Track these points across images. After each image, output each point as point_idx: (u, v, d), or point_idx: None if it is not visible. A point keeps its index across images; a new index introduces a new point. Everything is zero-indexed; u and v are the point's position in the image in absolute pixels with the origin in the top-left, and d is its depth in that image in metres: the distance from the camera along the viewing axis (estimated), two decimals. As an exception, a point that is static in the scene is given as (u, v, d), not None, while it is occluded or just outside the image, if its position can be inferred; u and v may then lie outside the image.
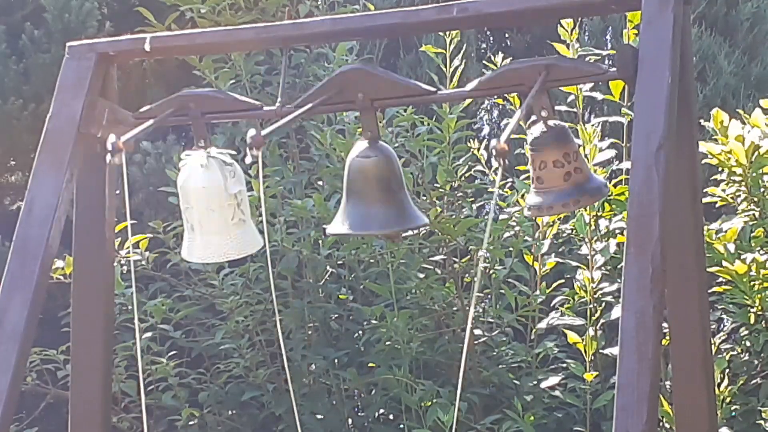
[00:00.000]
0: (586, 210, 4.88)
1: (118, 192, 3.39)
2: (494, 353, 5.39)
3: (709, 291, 4.01)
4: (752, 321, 4.72)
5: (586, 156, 4.84)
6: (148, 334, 5.42)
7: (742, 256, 4.59)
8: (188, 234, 3.31)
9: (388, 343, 5.28)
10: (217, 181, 3.20)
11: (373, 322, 5.33)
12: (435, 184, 5.31)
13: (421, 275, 5.33)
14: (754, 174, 4.68)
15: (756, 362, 4.83)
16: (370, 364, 5.44)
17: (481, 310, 5.44)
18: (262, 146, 2.75)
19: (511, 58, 5.24)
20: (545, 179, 3.11)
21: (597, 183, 3.18)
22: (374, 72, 3.14)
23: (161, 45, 3.32)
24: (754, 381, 4.82)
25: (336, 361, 5.50)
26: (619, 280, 4.73)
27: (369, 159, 3.16)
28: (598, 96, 5.13)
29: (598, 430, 5.15)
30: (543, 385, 5.13)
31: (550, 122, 3.11)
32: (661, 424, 4.60)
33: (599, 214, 4.89)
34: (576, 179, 3.10)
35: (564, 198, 3.11)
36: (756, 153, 4.64)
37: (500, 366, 5.34)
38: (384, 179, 3.15)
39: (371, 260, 5.40)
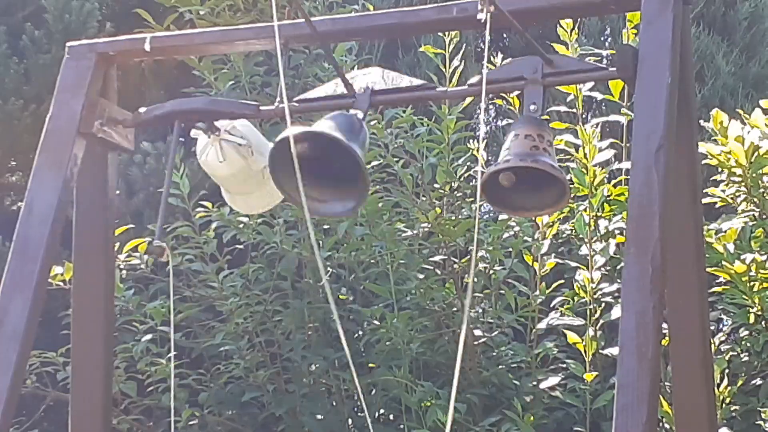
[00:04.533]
0: (585, 210, 4.88)
1: (118, 192, 3.39)
2: (494, 354, 5.39)
3: (709, 291, 4.01)
4: (752, 321, 4.72)
5: (585, 156, 4.85)
6: (148, 336, 5.41)
7: (742, 257, 4.59)
8: (226, 194, 3.40)
9: (388, 343, 5.27)
10: (239, 165, 3.25)
11: (374, 322, 5.33)
12: (434, 185, 5.31)
13: (421, 276, 5.33)
14: (754, 174, 4.68)
15: (756, 362, 4.82)
16: (371, 365, 5.44)
17: (480, 311, 5.44)
18: None
19: (510, 59, 5.23)
20: (512, 147, 3.03)
21: (559, 170, 3.04)
22: (383, 67, 3.24)
23: (161, 45, 3.32)
24: (753, 381, 4.82)
25: (336, 361, 5.50)
26: (618, 281, 4.73)
27: (348, 113, 3.14)
28: (598, 96, 5.13)
29: (597, 431, 5.15)
30: (543, 385, 5.13)
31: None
32: (661, 424, 4.60)
33: (599, 214, 4.89)
34: (541, 153, 3.00)
35: (523, 158, 2.99)
36: (756, 153, 4.64)
37: (500, 366, 5.33)
38: (354, 128, 3.10)
39: (371, 261, 5.40)
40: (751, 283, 4.62)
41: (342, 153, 3.02)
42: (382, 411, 5.54)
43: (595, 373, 4.93)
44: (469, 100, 5.17)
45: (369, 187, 3.20)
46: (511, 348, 5.36)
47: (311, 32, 3.08)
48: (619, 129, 5.15)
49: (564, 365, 5.14)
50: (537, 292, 5.21)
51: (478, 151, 5.33)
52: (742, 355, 4.84)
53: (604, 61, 4.98)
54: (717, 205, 4.87)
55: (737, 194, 4.75)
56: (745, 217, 4.75)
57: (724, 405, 4.65)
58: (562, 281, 5.22)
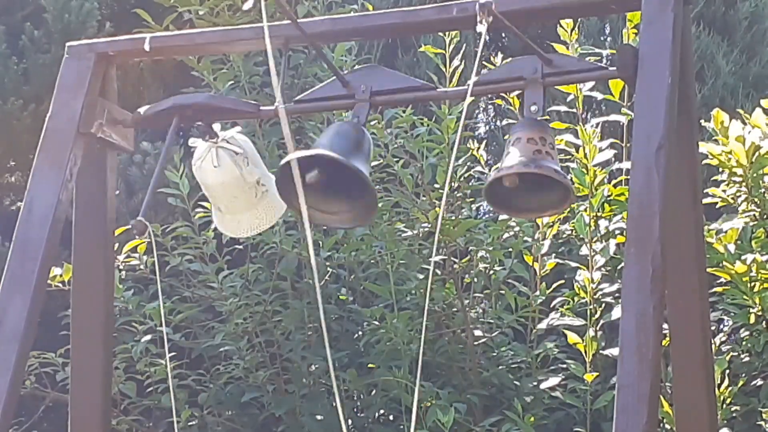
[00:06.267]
0: (586, 211, 4.87)
1: (117, 192, 3.39)
2: (494, 354, 5.39)
3: (710, 291, 4.00)
4: (752, 321, 4.72)
5: (585, 156, 4.84)
6: (148, 337, 5.41)
7: (743, 257, 4.59)
8: (216, 213, 3.37)
9: (388, 344, 5.27)
10: (232, 174, 3.23)
11: (374, 323, 5.32)
12: (434, 185, 5.31)
13: (421, 276, 5.33)
14: (755, 174, 4.67)
15: (756, 363, 4.82)
16: (370, 365, 5.43)
17: (481, 311, 5.43)
18: None
19: (510, 58, 5.23)
20: (514, 151, 3.04)
21: (563, 174, 3.06)
22: (381, 68, 3.23)
23: (161, 45, 3.32)
24: (754, 382, 4.82)
25: (336, 362, 5.50)
26: (619, 281, 4.72)
27: (348, 122, 3.17)
28: (598, 96, 5.12)
29: (598, 431, 5.15)
30: (543, 385, 5.12)
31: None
32: (661, 425, 4.60)
33: (599, 214, 4.89)
34: (544, 157, 3.02)
35: (527, 164, 2.99)
36: (756, 153, 4.63)
37: (500, 367, 5.33)
38: (356, 140, 3.13)
39: (371, 261, 5.40)
40: (752, 284, 4.61)
41: (346, 169, 3.05)
42: (382, 411, 5.54)
43: (595, 374, 4.92)
44: (469, 99, 5.15)
45: (376, 198, 3.20)
46: (512, 348, 5.36)
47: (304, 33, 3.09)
48: (619, 129, 5.14)
49: (564, 366, 5.14)
50: (537, 293, 5.21)
51: (478, 150, 5.34)
52: (742, 356, 4.84)
53: (605, 60, 4.98)
54: (717, 206, 4.86)
55: (738, 194, 4.74)
56: (745, 217, 4.74)
57: (724, 406, 4.64)
58: (563, 281, 5.22)
